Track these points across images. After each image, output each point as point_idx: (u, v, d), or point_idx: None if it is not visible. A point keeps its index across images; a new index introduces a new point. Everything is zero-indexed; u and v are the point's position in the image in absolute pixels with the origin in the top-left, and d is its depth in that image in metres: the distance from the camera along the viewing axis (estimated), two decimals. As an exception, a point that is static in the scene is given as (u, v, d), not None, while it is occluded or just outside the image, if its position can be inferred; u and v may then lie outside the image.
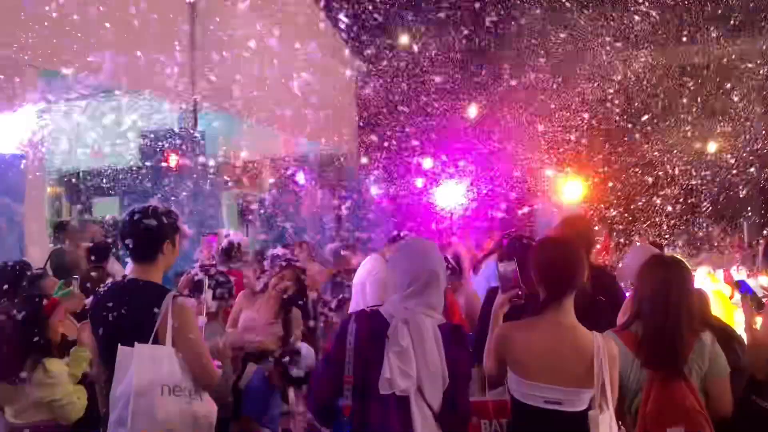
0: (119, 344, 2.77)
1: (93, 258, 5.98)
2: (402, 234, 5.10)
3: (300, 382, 4.38)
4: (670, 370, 2.86)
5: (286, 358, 4.50)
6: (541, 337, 2.66)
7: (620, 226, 11.27)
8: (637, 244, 8.54)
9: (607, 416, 2.56)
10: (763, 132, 11.39)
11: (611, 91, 11.72)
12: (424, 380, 2.45)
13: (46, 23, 7.53)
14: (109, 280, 3.71)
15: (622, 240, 10.85)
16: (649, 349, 2.91)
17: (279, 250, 5.74)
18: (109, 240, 6.53)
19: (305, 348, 4.64)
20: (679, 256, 3.39)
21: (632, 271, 3.88)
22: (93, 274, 5.28)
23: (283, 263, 5.28)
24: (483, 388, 3.45)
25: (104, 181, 10.70)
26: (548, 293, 2.73)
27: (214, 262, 5.30)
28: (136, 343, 2.76)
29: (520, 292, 3.02)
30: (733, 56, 11.70)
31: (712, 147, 11.99)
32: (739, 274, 7.19)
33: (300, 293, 5.26)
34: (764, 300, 3.58)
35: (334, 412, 2.56)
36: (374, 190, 13.71)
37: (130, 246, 2.98)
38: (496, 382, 3.13)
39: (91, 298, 3.14)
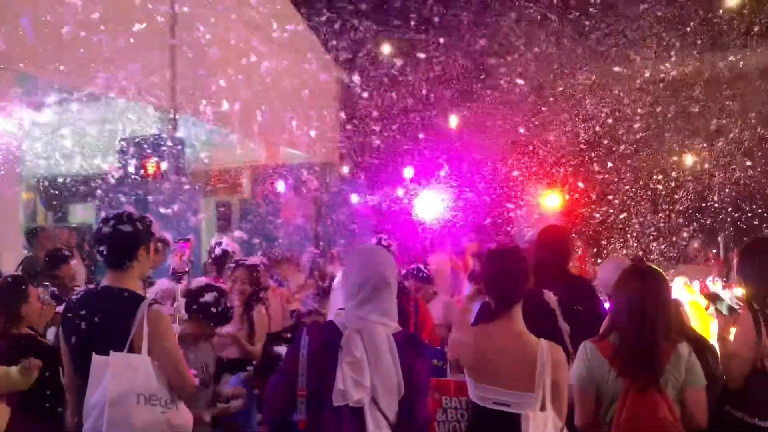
0: (93, 353, 2.72)
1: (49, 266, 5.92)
2: (382, 240, 5.09)
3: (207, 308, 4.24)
4: (645, 380, 2.87)
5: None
6: (490, 344, 2.86)
7: (601, 240, 11.36)
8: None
9: (540, 416, 2.70)
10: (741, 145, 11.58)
11: (593, 105, 11.85)
12: (378, 390, 2.43)
13: (23, 27, 7.45)
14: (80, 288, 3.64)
15: (602, 251, 10.93)
16: (624, 359, 2.93)
17: (256, 258, 5.72)
18: (66, 248, 6.42)
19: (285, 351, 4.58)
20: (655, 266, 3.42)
21: (605, 282, 3.92)
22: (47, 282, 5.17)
23: (233, 265, 5.28)
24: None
25: (80, 186, 10.57)
26: (497, 303, 2.92)
27: (187, 269, 5.24)
28: (111, 351, 2.71)
29: None
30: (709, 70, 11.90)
31: (689, 160, 12.15)
32: (715, 285, 7.29)
33: (257, 291, 5.25)
34: (739, 310, 3.61)
35: (288, 425, 2.52)
36: (355, 199, 13.69)
37: (104, 252, 2.92)
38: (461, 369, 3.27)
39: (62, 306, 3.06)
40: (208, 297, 3.95)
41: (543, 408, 2.70)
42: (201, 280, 4.70)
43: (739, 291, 5.11)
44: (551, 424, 2.72)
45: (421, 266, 5.50)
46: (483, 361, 2.83)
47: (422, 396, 2.54)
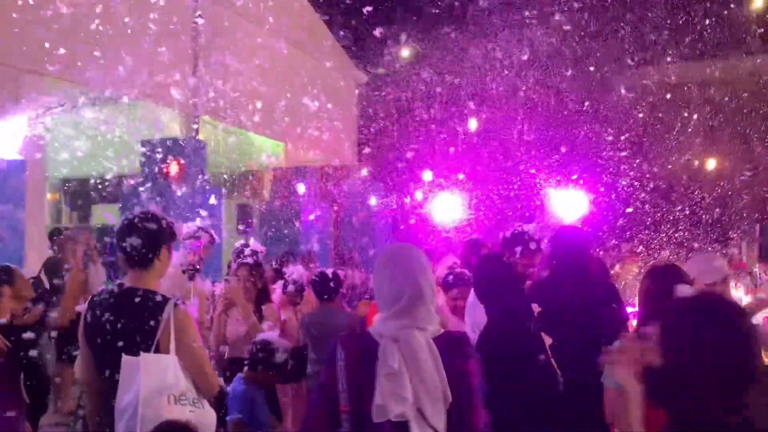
0: (122, 354, 2.73)
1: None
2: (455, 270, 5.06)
3: (282, 368, 4.20)
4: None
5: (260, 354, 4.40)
6: None
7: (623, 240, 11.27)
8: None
9: None
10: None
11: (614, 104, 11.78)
12: (423, 401, 2.23)
13: (49, 31, 7.57)
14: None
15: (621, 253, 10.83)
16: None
17: (299, 270, 5.85)
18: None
19: (273, 336, 4.51)
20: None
21: (696, 275, 3.80)
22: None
23: (235, 266, 5.35)
24: None
25: (104, 188, 10.70)
26: None
27: (198, 267, 5.26)
28: (142, 353, 2.72)
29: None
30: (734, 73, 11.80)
31: (711, 164, 12.04)
32: (737, 291, 7.19)
33: (263, 291, 5.29)
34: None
35: None
36: (373, 202, 13.69)
37: (127, 249, 2.89)
38: None
39: (84, 305, 3.04)
40: (280, 357, 4.07)
41: None
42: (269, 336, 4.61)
43: (762, 296, 5.06)
44: None
45: None
46: None
47: (475, 399, 2.33)
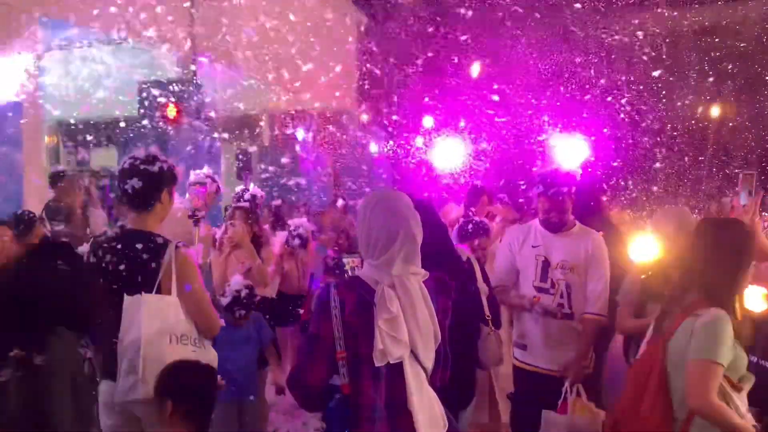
0: (124, 294, 2.76)
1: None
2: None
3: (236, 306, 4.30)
4: (652, 337, 2.79)
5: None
6: None
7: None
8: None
9: None
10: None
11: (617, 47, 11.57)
12: (417, 343, 2.34)
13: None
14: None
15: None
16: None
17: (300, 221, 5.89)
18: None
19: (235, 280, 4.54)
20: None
21: (663, 227, 3.82)
22: None
23: (231, 210, 5.39)
24: None
25: (102, 131, 10.62)
26: None
27: (203, 213, 5.28)
28: (143, 292, 2.75)
29: None
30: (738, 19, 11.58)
31: (715, 111, 11.92)
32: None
33: (257, 236, 5.32)
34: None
35: (327, 394, 2.37)
36: (373, 149, 13.60)
37: (129, 192, 2.90)
38: None
39: (86, 246, 3.06)
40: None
41: None
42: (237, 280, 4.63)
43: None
44: None
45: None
46: None
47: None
